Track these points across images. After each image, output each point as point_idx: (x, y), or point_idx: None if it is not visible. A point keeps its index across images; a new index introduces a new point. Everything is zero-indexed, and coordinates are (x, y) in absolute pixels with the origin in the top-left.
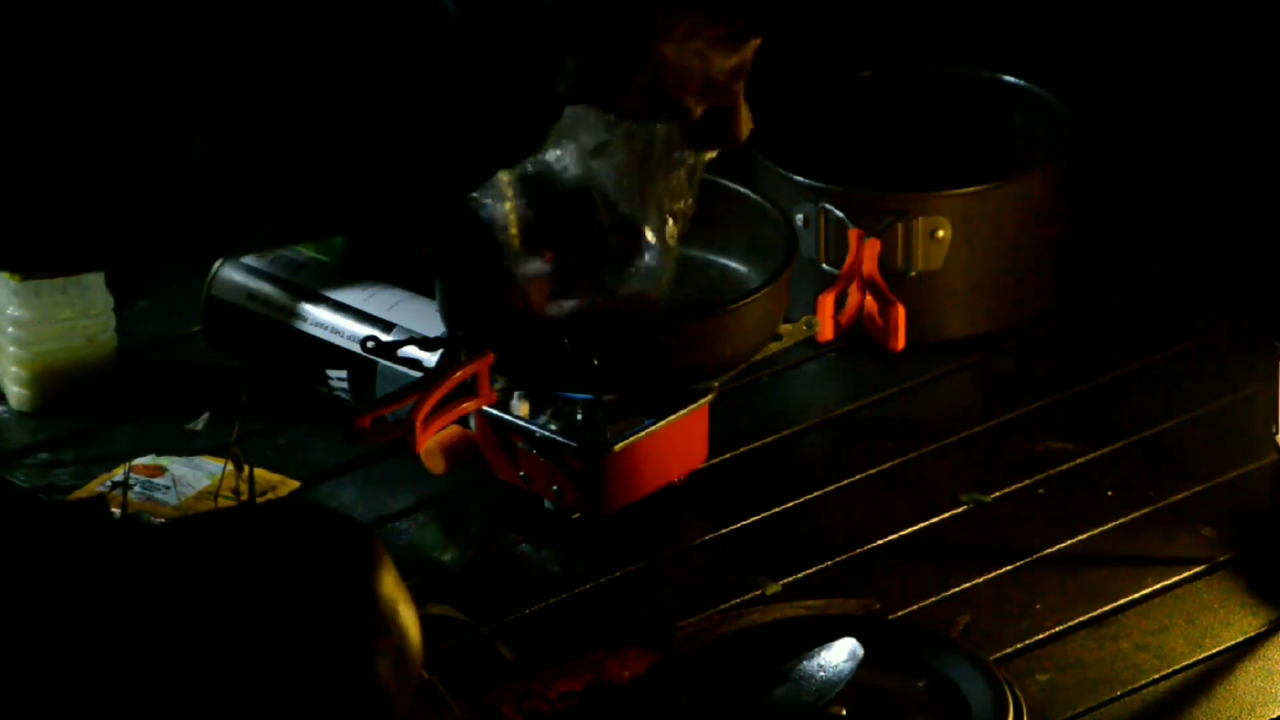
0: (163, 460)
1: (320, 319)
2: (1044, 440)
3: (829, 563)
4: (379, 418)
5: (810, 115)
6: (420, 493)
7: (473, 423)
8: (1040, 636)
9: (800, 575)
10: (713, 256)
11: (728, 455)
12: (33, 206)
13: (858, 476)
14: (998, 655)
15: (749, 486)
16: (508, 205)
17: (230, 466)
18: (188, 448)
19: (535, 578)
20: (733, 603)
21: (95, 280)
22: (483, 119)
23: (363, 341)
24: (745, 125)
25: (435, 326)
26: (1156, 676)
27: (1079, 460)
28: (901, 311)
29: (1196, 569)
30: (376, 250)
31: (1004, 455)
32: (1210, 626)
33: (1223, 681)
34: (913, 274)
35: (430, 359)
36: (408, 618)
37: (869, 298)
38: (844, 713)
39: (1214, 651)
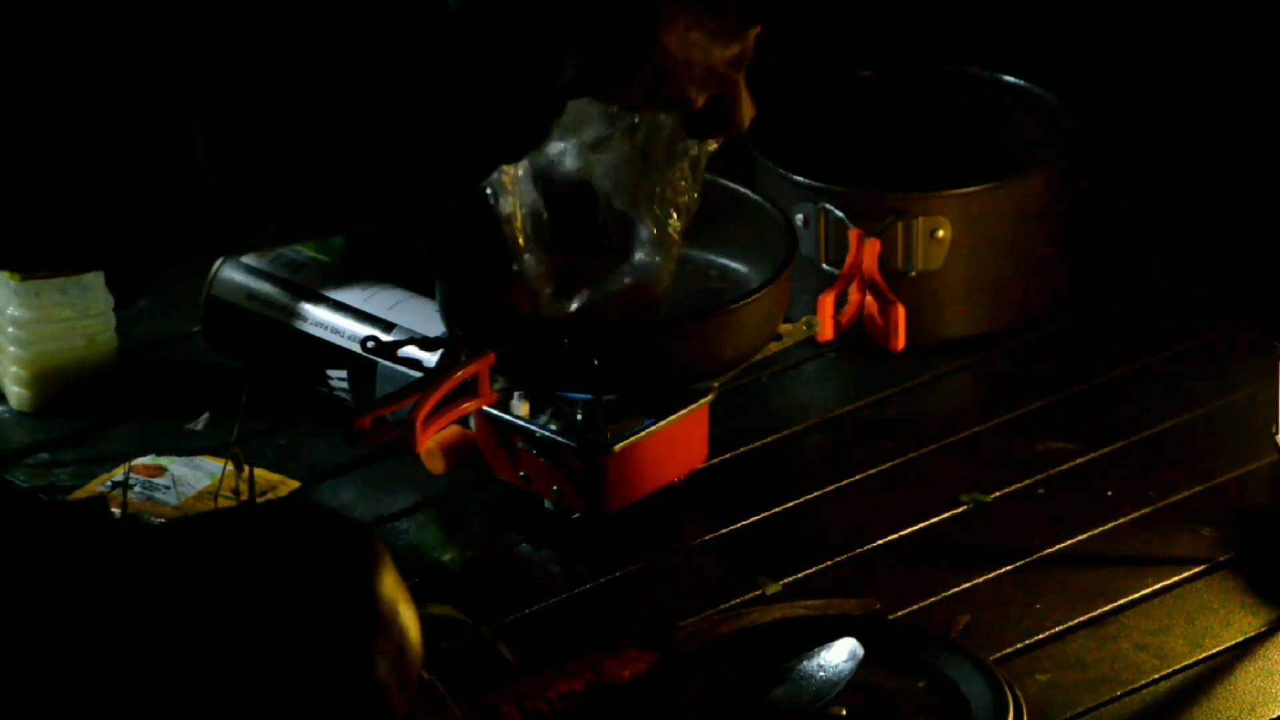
0: (163, 460)
1: (320, 319)
2: (1044, 440)
3: (829, 563)
4: (379, 418)
5: (810, 115)
6: (420, 493)
7: (473, 423)
8: (1040, 636)
9: (800, 575)
10: (713, 256)
11: (728, 455)
12: (33, 206)
13: (858, 476)
14: (998, 655)
15: (749, 486)
16: (511, 200)
17: (230, 466)
18: (188, 448)
19: (535, 578)
20: (733, 603)
21: (95, 280)
22: (483, 118)
23: (363, 341)
24: (747, 113)
25: (435, 326)
26: (1156, 676)
27: (1079, 460)
28: (901, 311)
29: (1196, 569)
30: (376, 250)
31: (1004, 455)
32: (1210, 626)
33: (1223, 681)
34: (913, 274)
35: (430, 359)
36: (408, 618)
37: (869, 298)
38: (844, 713)
39: (1214, 651)
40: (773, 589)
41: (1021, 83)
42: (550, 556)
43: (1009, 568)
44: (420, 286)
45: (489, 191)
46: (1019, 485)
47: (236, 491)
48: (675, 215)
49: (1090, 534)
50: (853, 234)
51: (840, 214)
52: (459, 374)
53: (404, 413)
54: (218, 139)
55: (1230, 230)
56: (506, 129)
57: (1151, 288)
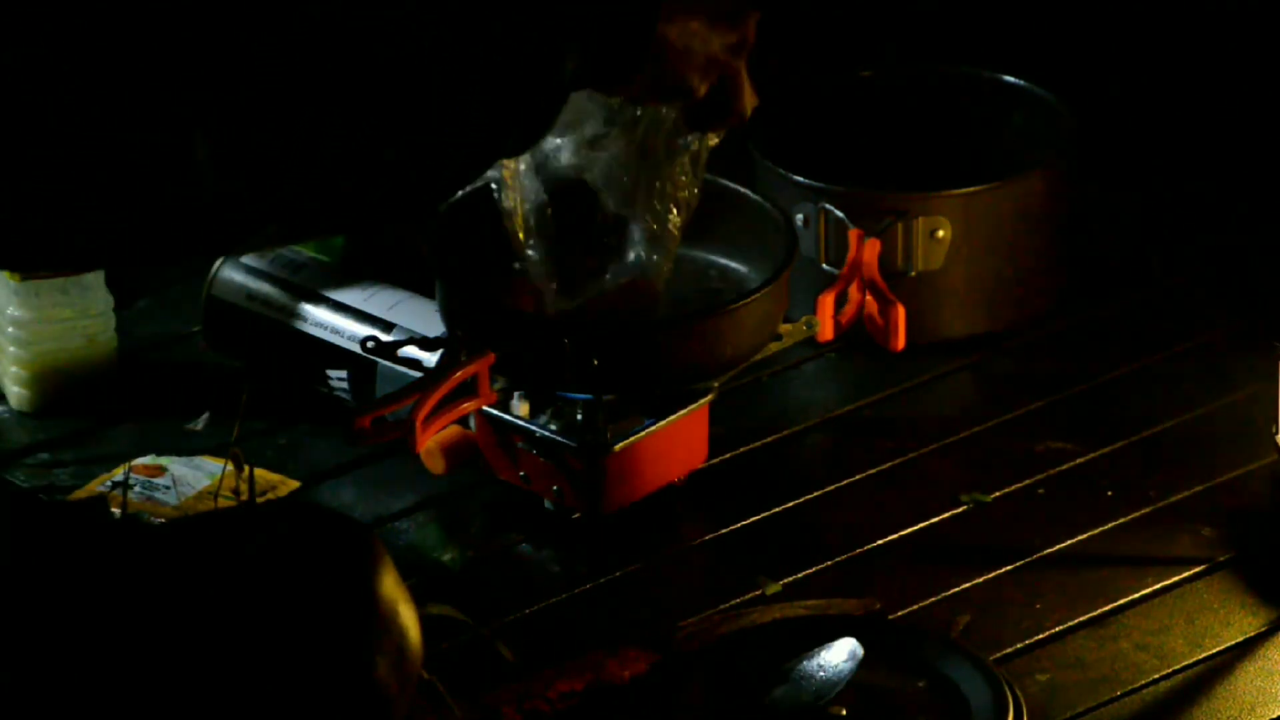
0: (163, 460)
1: (320, 319)
2: (1044, 440)
3: (829, 563)
4: (379, 418)
5: (810, 115)
6: (420, 493)
7: (473, 423)
8: (1040, 636)
9: (800, 575)
10: (713, 256)
11: (728, 455)
12: (33, 206)
13: (858, 476)
14: (998, 655)
15: (749, 486)
16: (511, 194)
17: (230, 466)
18: (188, 448)
19: (535, 578)
20: (733, 603)
21: (95, 280)
22: (483, 119)
23: (363, 341)
24: (749, 101)
25: (435, 326)
26: (1156, 676)
27: (1079, 460)
28: (901, 311)
29: (1196, 569)
30: (376, 250)
31: (1004, 455)
32: (1210, 626)
33: (1223, 681)
34: (913, 274)
35: (430, 359)
36: (408, 618)
37: (869, 298)
38: (844, 713)
39: (1214, 651)
40: (773, 589)
41: (1021, 83)
42: (550, 556)
43: (1009, 568)
44: (420, 286)
45: (492, 187)
46: (1019, 485)
47: (236, 491)
48: (675, 211)
49: (1090, 534)
50: (853, 234)
51: (840, 214)
52: (459, 374)
53: (404, 413)
54: (218, 139)
55: (1230, 230)
56: (506, 127)
57: (1151, 288)
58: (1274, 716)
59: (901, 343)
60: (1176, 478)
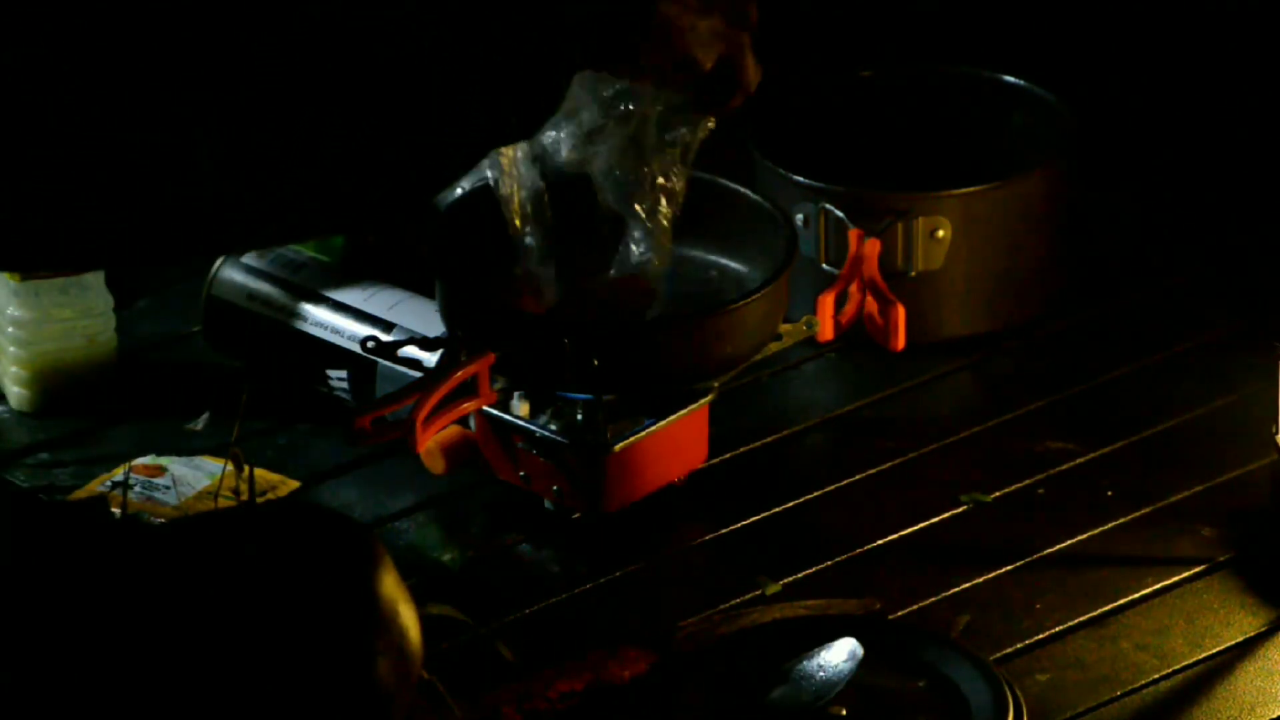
0: (163, 460)
1: (320, 319)
2: (1044, 440)
3: (829, 563)
4: (379, 418)
5: (810, 115)
6: (420, 493)
7: (473, 423)
8: (1040, 636)
9: (800, 575)
10: (713, 256)
11: (728, 455)
12: (33, 206)
13: (858, 476)
14: (998, 655)
15: (749, 486)
16: (507, 180)
17: (230, 466)
18: (188, 448)
19: (535, 578)
20: (733, 603)
21: (95, 280)
22: (483, 119)
23: (363, 341)
24: (754, 75)
25: (435, 326)
26: (1156, 676)
27: (1079, 460)
28: (901, 311)
29: (1196, 569)
30: (376, 250)
31: (1004, 455)
32: (1210, 626)
33: (1223, 681)
34: (913, 274)
35: (430, 359)
36: (408, 618)
37: (869, 298)
38: (844, 713)
39: (1214, 651)
40: (773, 589)
41: (1021, 83)
42: (550, 556)
43: (1009, 568)
44: (420, 286)
45: (489, 174)
46: (1019, 485)
47: (236, 491)
48: (666, 203)
49: (1090, 534)
50: (853, 234)
51: (840, 214)
52: (459, 374)
53: (404, 413)
54: (217, 139)
55: (1230, 230)
56: (505, 124)
57: (1151, 288)
58: (1274, 716)
59: (901, 343)
60: (1176, 478)
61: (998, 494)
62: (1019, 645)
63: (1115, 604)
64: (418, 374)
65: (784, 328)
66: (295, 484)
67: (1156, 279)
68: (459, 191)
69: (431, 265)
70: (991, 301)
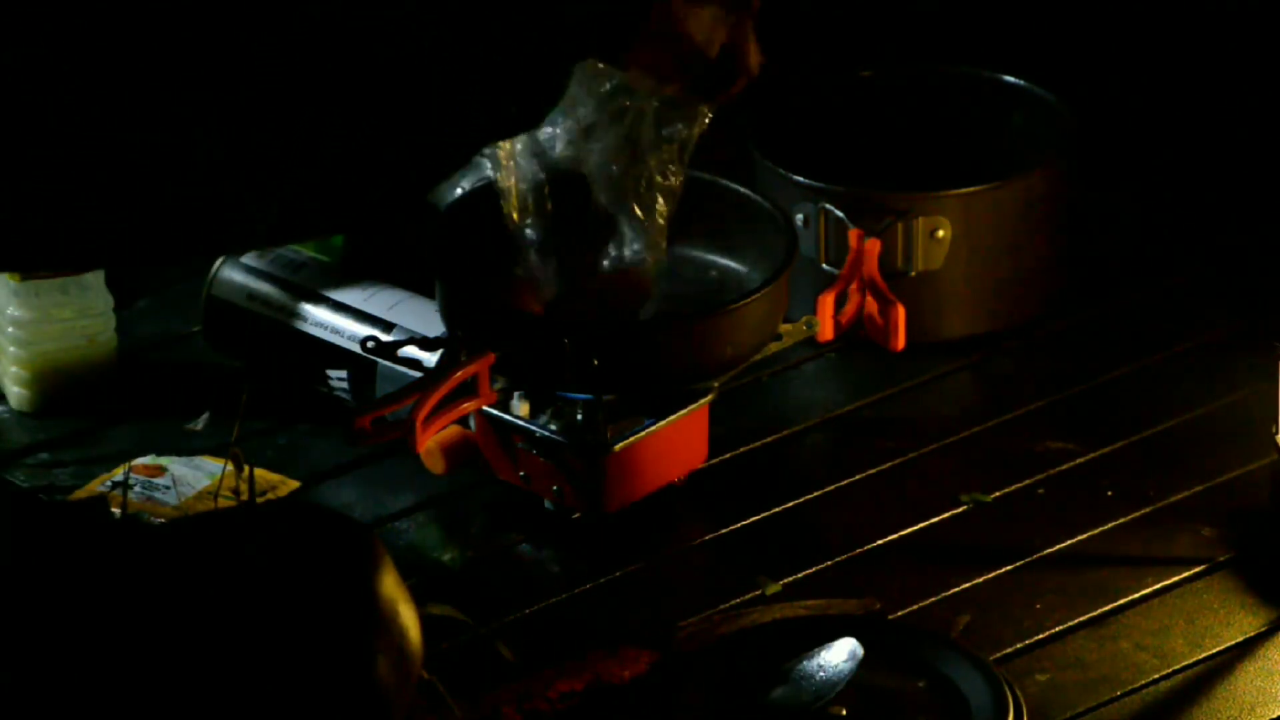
0: (163, 460)
1: (320, 319)
2: (1044, 440)
3: (829, 563)
4: (379, 418)
5: (810, 115)
6: (420, 493)
7: (473, 423)
8: (1040, 636)
9: (800, 575)
10: (713, 256)
11: (728, 455)
12: (33, 206)
13: (858, 476)
14: (998, 655)
15: (749, 486)
16: (504, 174)
17: (230, 466)
18: (188, 448)
19: (535, 578)
20: (733, 603)
21: (95, 280)
22: (483, 119)
23: (363, 341)
24: (756, 59)
25: (435, 326)
26: (1156, 676)
27: (1079, 460)
28: (901, 311)
29: (1196, 569)
30: (376, 250)
31: (1004, 455)
32: (1210, 626)
33: (1223, 681)
34: (913, 274)
35: (430, 359)
36: (408, 618)
37: (869, 298)
38: (844, 713)
39: (1214, 651)
40: (773, 589)
41: (1021, 83)
42: (550, 556)
43: (1009, 568)
44: (420, 286)
45: (487, 167)
46: (1019, 485)
47: (236, 491)
48: (662, 200)
49: (1090, 534)
50: (853, 234)
51: (840, 214)
52: (459, 374)
53: (404, 413)
54: (218, 139)
55: (1230, 230)
56: (505, 121)
57: (1151, 288)
58: (1274, 716)
59: (901, 343)
60: (1176, 478)
61: (998, 494)
62: (1019, 645)
63: (1115, 604)
64: (418, 374)
65: (784, 328)
66: (295, 484)
67: (1156, 279)
68: (459, 191)
69: (431, 265)
70: (991, 301)
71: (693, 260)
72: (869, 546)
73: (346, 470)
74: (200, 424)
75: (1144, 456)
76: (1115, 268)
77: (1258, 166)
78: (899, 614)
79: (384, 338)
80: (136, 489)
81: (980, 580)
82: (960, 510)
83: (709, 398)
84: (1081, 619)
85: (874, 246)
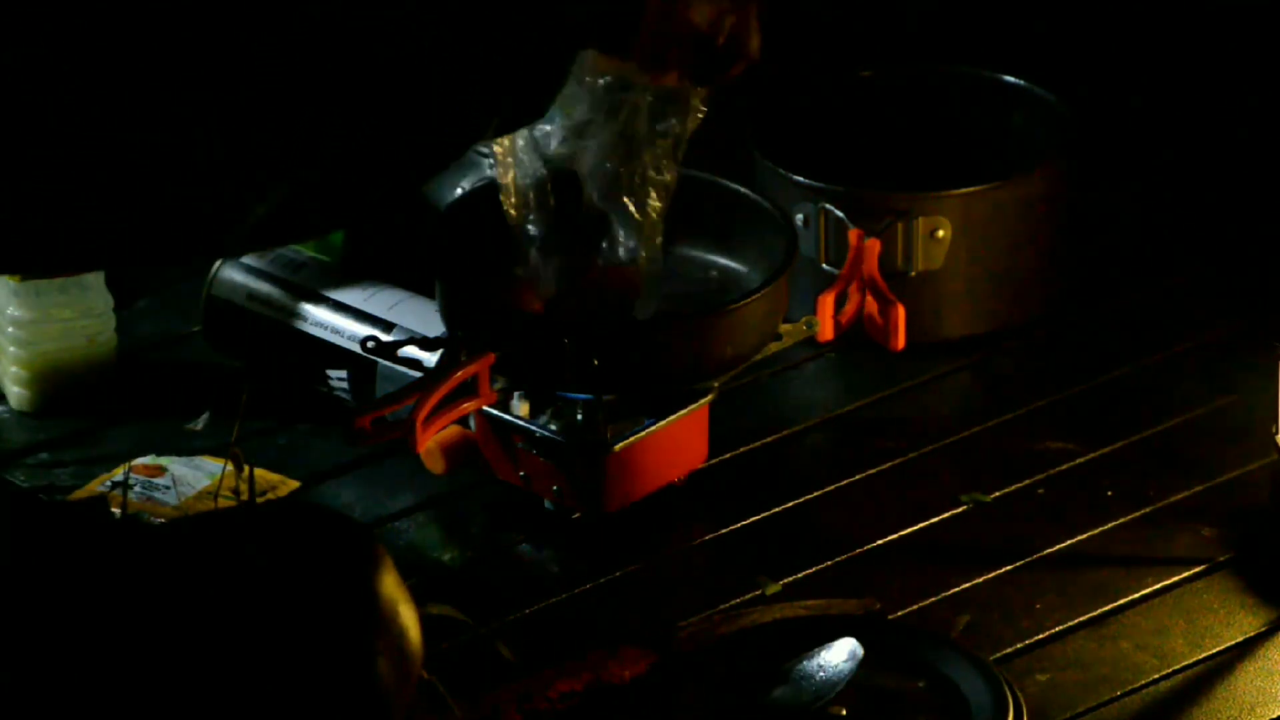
0: (163, 460)
1: (320, 319)
2: (1044, 440)
3: (829, 563)
4: (379, 418)
5: (810, 115)
6: (420, 493)
7: (473, 423)
8: (1040, 636)
9: (800, 575)
10: (713, 256)
11: (728, 455)
12: (33, 206)
13: (858, 476)
14: (998, 655)
15: (749, 486)
16: (501, 170)
17: (230, 466)
18: (188, 448)
19: (535, 578)
20: (733, 603)
21: (95, 280)
22: (483, 119)
23: (363, 341)
24: (757, 42)
25: (435, 326)
26: (1156, 676)
27: (1079, 460)
28: (901, 311)
29: (1196, 569)
30: (376, 250)
31: (1004, 455)
32: (1210, 626)
33: (1223, 681)
34: (913, 274)
35: (430, 359)
36: (408, 618)
37: (869, 298)
38: (844, 713)
39: (1214, 651)
40: (773, 589)
41: (1021, 83)
42: (550, 556)
43: (1009, 568)
44: (420, 286)
45: (487, 162)
46: (1019, 485)
47: (236, 491)
48: (655, 196)
49: (1090, 534)
50: (853, 234)
51: (840, 214)
52: (459, 374)
53: (404, 413)
54: (218, 139)
55: (1230, 230)
56: (506, 121)
57: (1151, 288)
58: (1274, 716)
59: (901, 343)
60: (1176, 478)
61: (998, 494)
62: (1019, 645)
63: (1115, 604)
64: (418, 374)
65: (784, 328)
66: (295, 484)
67: (1156, 279)
68: (459, 191)
69: (431, 265)
70: (991, 301)
71: (693, 260)
72: (869, 546)
73: (346, 470)
74: (200, 424)
75: (1144, 456)
76: (1115, 268)
77: (1257, 166)
78: (899, 614)
79: (384, 338)
80: (136, 489)
81: (980, 580)
82: (960, 510)
83: (709, 398)
84: (1081, 619)
85: (874, 246)
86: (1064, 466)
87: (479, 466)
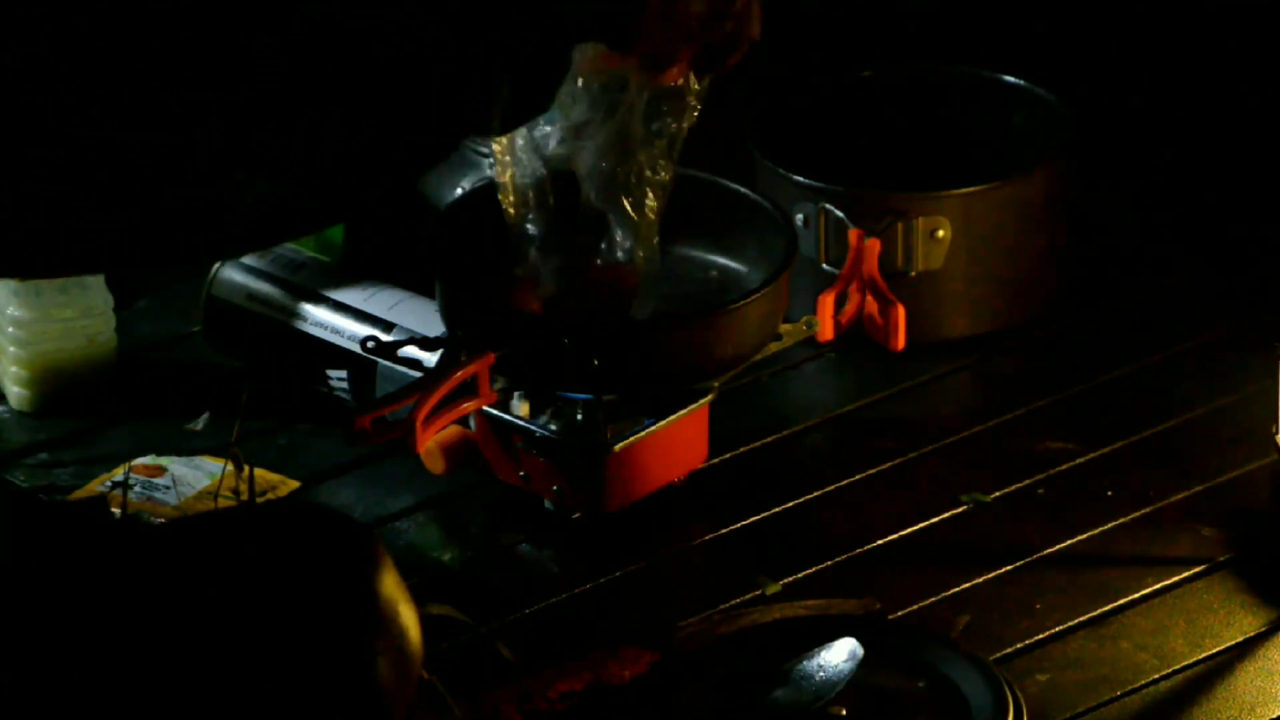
0: (163, 460)
1: (320, 319)
2: (1044, 440)
3: (829, 563)
4: (379, 418)
5: (810, 115)
6: (420, 493)
7: (473, 423)
8: (1040, 636)
9: (800, 575)
10: (713, 256)
11: (728, 455)
12: (33, 206)
13: (858, 476)
14: (998, 655)
15: (749, 486)
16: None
17: (230, 466)
18: (188, 448)
19: (535, 578)
20: (733, 603)
21: (95, 280)
22: (483, 119)
23: (363, 341)
24: (757, 25)
25: (435, 326)
26: (1156, 676)
27: (1079, 460)
28: (901, 311)
29: (1196, 569)
30: (376, 250)
31: (1004, 455)
32: (1210, 626)
33: (1223, 681)
34: (913, 274)
35: (430, 359)
36: (408, 618)
37: (869, 298)
38: (844, 713)
39: (1214, 651)
40: (773, 589)
41: (1021, 83)
42: (550, 556)
43: (1009, 568)
44: (420, 286)
45: (487, 161)
46: (1019, 485)
47: (236, 491)
48: (652, 196)
49: (1090, 534)
50: (853, 234)
51: (840, 214)
52: (459, 374)
53: (404, 413)
54: (218, 139)
55: (1230, 230)
56: (506, 119)
57: (1151, 288)
58: (1274, 716)
59: (901, 343)
60: (1176, 478)
61: (998, 494)
62: (1019, 645)
63: (1115, 604)
64: (418, 374)
65: (784, 328)
66: (295, 484)
67: (1156, 279)
68: (459, 191)
69: (431, 265)
70: (991, 301)
71: (693, 260)
72: (869, 546)
73: (346, 470)
74: (200, 424)
75: (1144, 456)
76: (1115, 268)
77: (1257, 165)
78: (899, 614)
79: (384, 338)
80: (136, 489)
81: (980, 580)
82: (960, 510)
83: (709, 398)
84: (1081, 619)
85: (874, 246)
86: (1064, 466)
87: (479, 466)
